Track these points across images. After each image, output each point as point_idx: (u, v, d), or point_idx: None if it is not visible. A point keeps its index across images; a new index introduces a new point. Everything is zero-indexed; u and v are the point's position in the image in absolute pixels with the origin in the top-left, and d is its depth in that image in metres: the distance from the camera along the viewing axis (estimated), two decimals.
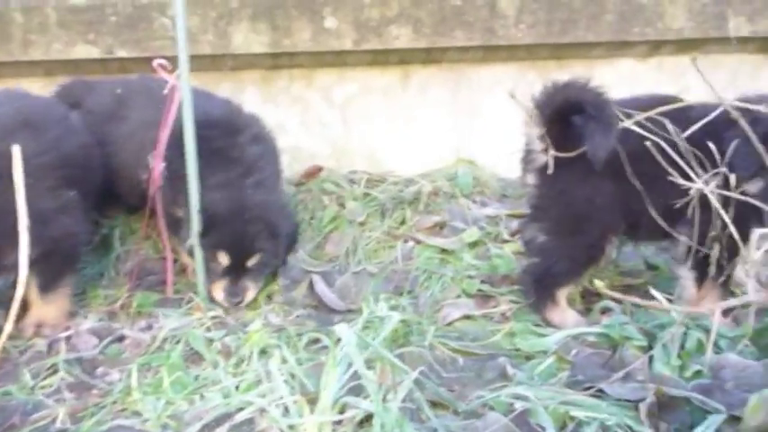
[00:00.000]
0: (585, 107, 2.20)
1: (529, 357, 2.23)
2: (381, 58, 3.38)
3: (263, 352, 2.12)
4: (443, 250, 2.84)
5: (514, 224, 3.04)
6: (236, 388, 1.95)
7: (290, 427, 1.72)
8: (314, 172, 3.35)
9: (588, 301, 2.53)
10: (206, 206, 2.40)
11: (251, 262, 2.50)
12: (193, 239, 2.40)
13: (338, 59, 3.34)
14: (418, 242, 2.91)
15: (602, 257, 2.40)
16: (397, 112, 3.51)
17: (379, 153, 3.54)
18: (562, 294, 2.41)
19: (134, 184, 2.60)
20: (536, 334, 2.33)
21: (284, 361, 2.01)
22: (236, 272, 2.50)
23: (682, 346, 2.06)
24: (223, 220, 2.43)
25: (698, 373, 1.94)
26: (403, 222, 3.02)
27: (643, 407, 1.74)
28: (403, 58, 3.39)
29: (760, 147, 1.95)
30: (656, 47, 3.55)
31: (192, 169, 2.30)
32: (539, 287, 2.40)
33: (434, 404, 1.89)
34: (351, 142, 3.51)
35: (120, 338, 2.37)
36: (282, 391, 1.81)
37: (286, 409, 1.77)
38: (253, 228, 2.48)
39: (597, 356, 2.17)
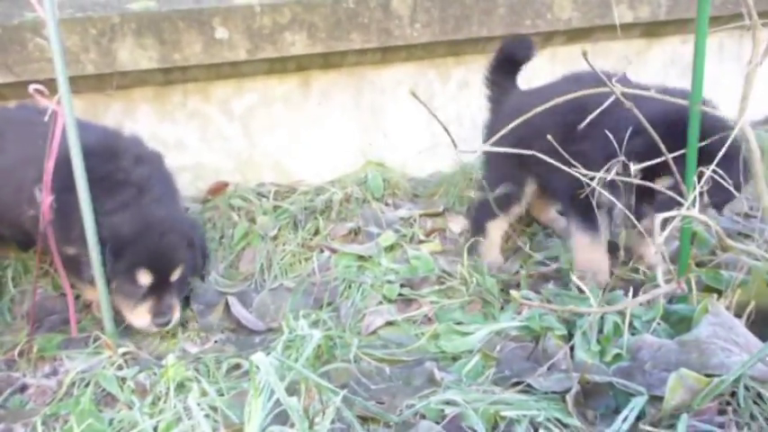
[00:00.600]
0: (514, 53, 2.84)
1: (455, 358, 2.23)
2: (279, 66, 3.29)
3: (180, 386, 2.01)
4: (360, 257, 2.80)
5: (429, 224, 3.04)
6: (155, 429, 1.84)
7: None
8: (219, 188, 3.22)
9: (508, 293, 2.55)
10: (110, 231, 2.25)
11: (174, 276, 2.36)
12: (95, 271, 2.24)
13: (234, 70, 3.22)
14: (334, 251, 2.85)
15: (518, 204, 2.77)
16: (301, 120, 3.44)
17: (285, 163, 3.45)
18: (492, 228, 2.80)
19: (20, 222, 2.41)
20: (460, 333, 2.32)
21: (204, 393, 1.91)
22: (159, 290, 2.34)
23: (600, 331, 2.11)
24: (134, 239, 2.28)
25: (617, 357, 1.99)
26: (317, 232, 2.95)
27: (570, 398, 1.77)
28: (301, 64, 3.32)
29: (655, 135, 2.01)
30: (547, 38, 3.64)
31: (84, 197, 2.14)
32: (473, 221, 2.89)
33: (365, 419, 1.85)
34: (255, 155, 3.41)
35: (23, 388, 2.18)
36: (204, 427, 1.71)
37: None
38: (169, 239, 2.34)
39: (521, 350, 2.19)
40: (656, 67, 4.07)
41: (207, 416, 1.80)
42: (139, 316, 2.34)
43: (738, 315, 2.03)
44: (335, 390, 1.77)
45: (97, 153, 2.36)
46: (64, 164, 2.17)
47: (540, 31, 3.55)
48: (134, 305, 2.34)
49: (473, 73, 3.67)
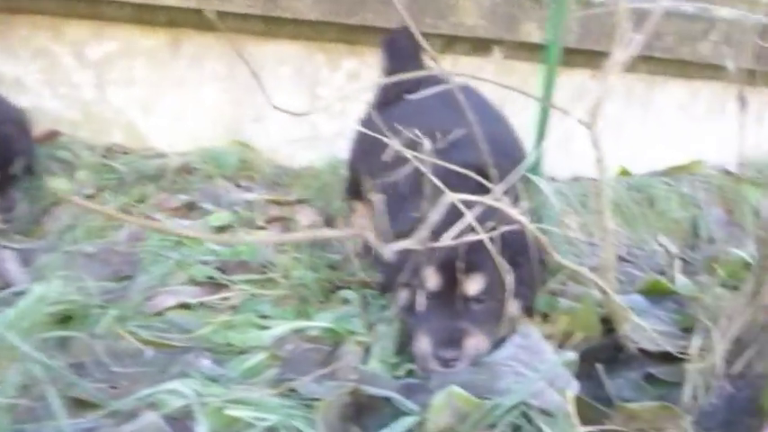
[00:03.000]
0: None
1: (242, 352, 1.90)
2: (147, 15, 2.95)
3: None
4: None
5: (275, 211, 2.73)
6: None
7: None
8: (48, 136, 2.84)
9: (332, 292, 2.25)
10: None
11: (14, 168, 2.40)
12: None
13: (93, 11, 2.87)
14: None
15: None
16: (165, 82, 3.10)
17: (139, 125, 3.09)
18: (355, 205, 2.63)
19: None
20: (258, 326, 2.00)
21: None
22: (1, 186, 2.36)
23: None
24: None
25: (411, 372, 1.70)
26: (142, 200, 2.60)
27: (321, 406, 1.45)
28: (172, 19, 2.99)
29: None
30: (449, 43, 3.42)
31: None
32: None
33: (83, 403, 1.51)
34: (106, 110, 3.04)
35: None
36: None
37: None
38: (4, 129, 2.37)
39: (315, 352, 1.88)
40: (564, 99, 3.90)
41: None
42: None
43: (563, 345, 1.78)
44: (43, 361, 1.42)
45: None
46: None
47: (442, 33, 3.33)
48: None
49: (366, 66, 3.41)
